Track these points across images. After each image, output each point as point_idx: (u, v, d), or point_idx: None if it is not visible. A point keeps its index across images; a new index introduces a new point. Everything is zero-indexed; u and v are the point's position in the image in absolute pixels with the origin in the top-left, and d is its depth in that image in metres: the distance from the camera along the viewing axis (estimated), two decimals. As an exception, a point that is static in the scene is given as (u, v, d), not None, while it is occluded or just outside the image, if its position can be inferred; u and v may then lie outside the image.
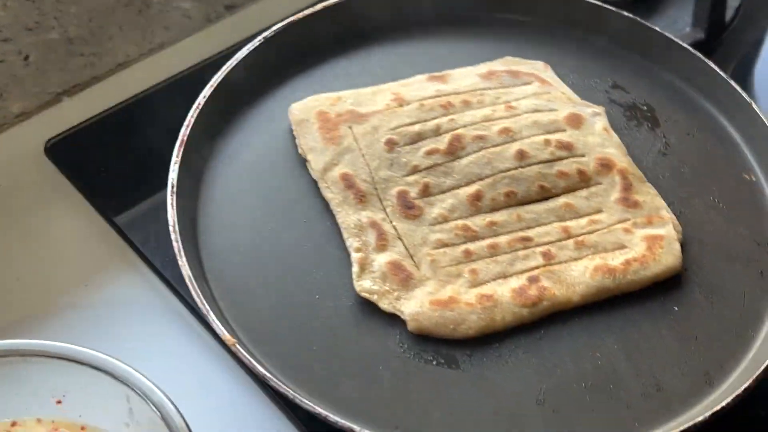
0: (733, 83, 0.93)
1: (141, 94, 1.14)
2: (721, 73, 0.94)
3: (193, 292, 0.75)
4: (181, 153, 0.85)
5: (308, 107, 0.91)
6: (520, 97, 0.93)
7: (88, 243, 1.00)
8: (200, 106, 0.89)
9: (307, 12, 0.98)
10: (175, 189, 0.82)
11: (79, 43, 1.11)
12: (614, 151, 0.90)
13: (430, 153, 0.87)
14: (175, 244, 0.78)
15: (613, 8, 1.00)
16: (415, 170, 0.86)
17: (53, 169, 1.05)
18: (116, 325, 0.94)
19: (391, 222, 0.83)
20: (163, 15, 1.17)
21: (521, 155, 0.87)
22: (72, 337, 0.92)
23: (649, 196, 0.87)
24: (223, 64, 0.94)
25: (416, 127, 0.89)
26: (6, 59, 1.05)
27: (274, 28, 0.96)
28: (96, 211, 1.02)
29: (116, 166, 1.06)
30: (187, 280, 0.76)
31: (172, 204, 0.81)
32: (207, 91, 0.90)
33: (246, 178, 0.87)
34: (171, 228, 0.79)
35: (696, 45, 1.14)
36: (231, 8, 1.24)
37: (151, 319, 0.89)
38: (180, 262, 0.77)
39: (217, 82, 0.91)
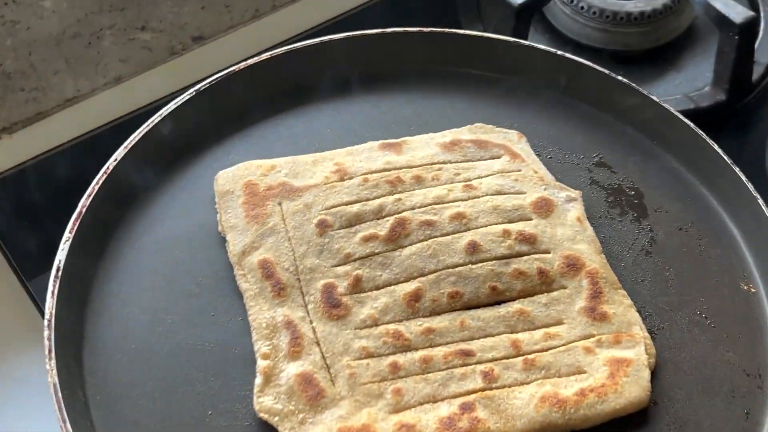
0: (738, 172, 0.79)
1: (92, 132, 1.05)
2: (726, 158, 0.80)
3: (55, 404, 0.64)
4: (75, 228, 0.74)
5: (236, 176, 0.79)
6: (483, 175, 0.80)
7: (2, 312, 0.91)
8: (109, 171, 0.78)
9: (250, 62, 0.86)
10: (60, 273, 0.71)
11: (18, 77, 1.01)
12: (585, 247, 0.76)
13: (367, 239, 0.75)
14: (46, 342, 0.67)
15: (606, 71, 0.87)
16: (348, 259, 0.74)
17: (-24, 218, 0.96)
18: (27, 403, 0.85)
19: (311, 323, 0.71)
20: (119, 47, 1.07)
21: (473, 248, 0.74)
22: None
23: (621, 307, 0.73)
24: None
25: (355, 208, 0.76)
26: (-70, 94, 0.95)
27: (210, 79, 0.84)
28: (13, 273, 0.92)
29: (50, 217, 0.96)
30: (51, 389, 0.65)
31: (53, 291, 0.70)
32: (120, 153, 0.79)
33: (155, 257, 0.76)
34: (46, 321, 0.68)
35: (715, 108, 1.01)
36: (199, 40, 1.13)
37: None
38: (48, 366, 0.66)
39: (135, 140, 0.80)
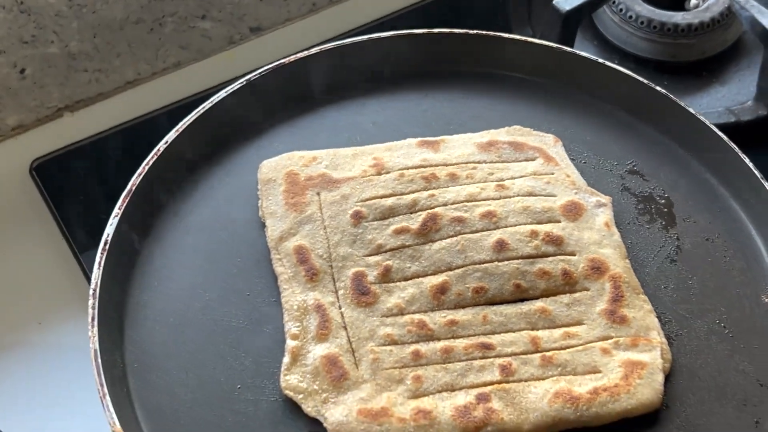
0: None
1: (148, 114, 1.09)
2: (758, 173, 0.81)
3: (94, 369, 0.68)
4: (125, 204, 0.78)
5: (279, 166, 0.83)
6: (517, 176, 0.82)
7: (52, 278, 0.95)
8: (159, 152, 0.82)
9: (300, 55, 0.89)
10: (107, 246, 0.75)
11: (82, 59, 1.06)
12: (611, 252, 0.78)
13: (399, 232, 0.78)
14: (90, 310, 0.71)
15: (646, 81, 0.88)
16: (379, 250, 0.77)
17: (35, 191, 1.01)
18: (68, 369, 0.89)
19: (339, 308, 0.75)
20: (179, 34, 1.11)
21: (501, 246, 0.77)
22: (19, 379, 0.89)
23: (641, 311, 0.75)
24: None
25: (389, 201, 0.79)
26: (-1, 71, 1.01)
27: (261, 70, 0.88)
28: (67, 246, 0.97)
29: (103, 194, 1.01)
30: (91, 354, 0.69)
31: (99, 262, 0.74)
32: (171, 136, 0.83)
33: (198, 237, 0.80)
34: (91, 291, 0.72)
35: (756, 122, 1.02)
36: (257, 30, 1.17)
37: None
38: (90, 333, 0.70)
39: (186, 125, 0.84)
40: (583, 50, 1.08)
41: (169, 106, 1.09)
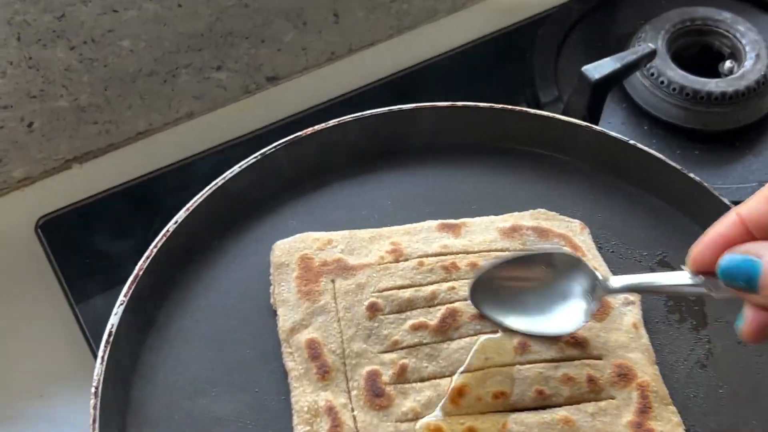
0: (805, 289, 0.76)
1: (160, 170, 1.06)
2: (793, 272, 0.77)
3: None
4: (131, 291, 0.74)
5: (292, 249, 0.79)
6: (542, 267, 0.78)
7: (55, 346, 0.92)
8: (168, 234, 0.78)
9: (317, 128, 0.86)
10: (111, 338, 0.72)
11: (92, 111, 1.03)
12: (639, 356, 0.74)
13: (416, 328, 0.74)
14: (91, 410, 0.68)
15: (679, 167, 0.84)
16: (395, 347, 0.74)
17: (40, 249, 0.98)
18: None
19: (352, 410, 0.71)
20: (194, 85, 1.08)
21: (523, 348, 0.73)
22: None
23: (669, 425, 0.71)
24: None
25: (407, 293, 0.76)
26: (6, 125, 0.98)
27: (275, 144, 0.84)
28: (70, 310, 0.94)
29: (112, 253, 0.98)
30: (90, 464, 0.66)
31: (102, 356, 0.71)
32: (181, 216, 0.79)
33: (206, 324, 0.76)
34: (93, 389, 0.69)
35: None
36: (273, 80, 1.14)
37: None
38: (91, 436, 0.67)
39: (197, 203, 0.80)
40: (612, 114, 1.06)
41: (182, 161, 1.06)
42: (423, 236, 0.80)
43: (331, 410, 0.71)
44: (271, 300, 0.77)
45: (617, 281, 0.71)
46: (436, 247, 0.79)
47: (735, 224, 0.62)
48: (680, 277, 0.67)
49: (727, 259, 0.61)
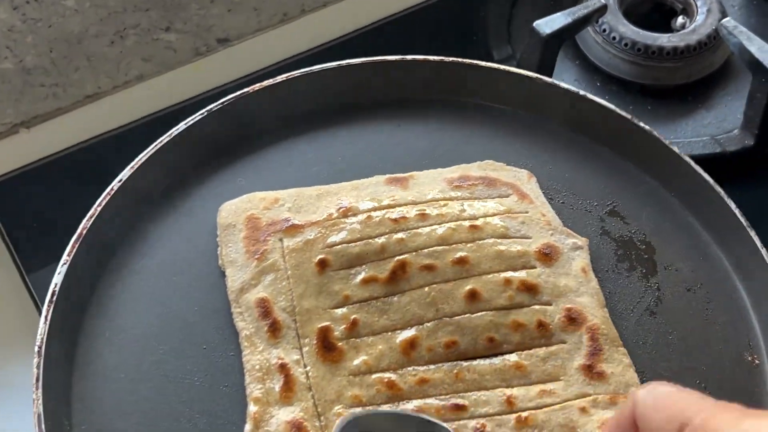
0: (754, 236, 0.76)
1: (109, 132, 1.04)
2: (743, 220, 0.77)
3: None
4: (75, 250, 0.73)
5: (239, 209, 0.78)
6: (490, 213, 0.78)
7: (2, 312, 0.91)
8: (113, 191, 0.77)
9: (265, 83, 0.85)
10: (55, 297, 0.71)
11: (38, 74, 1.01)
12: (588, 300, 0.74)
13: (367, 282, 0.74)
14: (34, 370, 0.67)
15: (629, 116, 0.84)
16: (346, 302, 0.73)
17: (-14, 215, 0.96)
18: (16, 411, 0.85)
19: (305, 366, 0.70)
20: (142, 46, 1.06)
21: (473, 297, 0.73)
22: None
23: (620, 366, 0.71)
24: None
25: (357, 248, 0.75)
26: (-51, 89, 0.95)
27: (223, 100, 0.83)
28: (18, 274, 0.92)
29: (61, 218, 0.96)
30: (34, 419, 0.65)
31: (46, 315, 0.70)
32: (125, 174, 0.78)
33: (153, 282, 0.75)
34: (36, 348, 0.68)
35: (742, 153, 0.98)
36: (225, 42, 1.12)
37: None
38: (34, 395, 0.66)
39: (141, 160, 0.79)
40: (564, 71, 1.06)
41: (131, 123, 1.04)
42: (371, 191, 0.80)
43: (283, 367, 0.70)
44: (219, 261, 0.76)
45: None
46: (385, 200, 0.78)
47: None
48: None
49: None
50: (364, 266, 0.74)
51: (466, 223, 0.77)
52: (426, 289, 0.73)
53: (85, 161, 1.01)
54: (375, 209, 0.77)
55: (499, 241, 0.76)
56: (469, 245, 0.76)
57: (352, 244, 0.75)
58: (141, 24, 1.04)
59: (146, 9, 1.03)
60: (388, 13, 1.16)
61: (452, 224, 0.77)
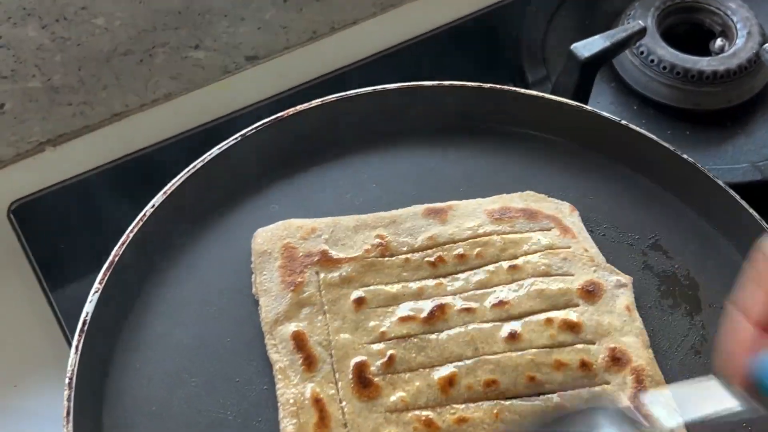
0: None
1: (136, 152, 1.02)
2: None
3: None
4: (106, 278, 0.71)
5: (275, 237, 0.76)
6: (531, 251, 0.76)
7: (29, 335, 0.89)
8: (145, 218, 0.75)
9: (299, 108, 0.83)
10: (86, 326, 0.69)
11: (66, 92, 0.99)
12: (633, 340, 0.72)
13: (404, 320, 0.72)
14: (65, 402, 0.65)
15: (672, 147, 0.82)
16: (383, 338, 0.71)
17: (12, 235, 0.94)
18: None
19: (340, 402, 0.68)
20: (171, 65, 1.04)
21: (513, 338, 0.71)
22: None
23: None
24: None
25: (395, 289, 0.73)
26: (-24, 107, 0.94)
27: (257, 124, 0.82)
28: (44, 297, 0.91)
29: (88, 239, 0.95)
30: (64, 459, 0.63)
31: (77, 345, 0.68)
32: (158, 199, 0.76)
33: (185, 312, 0.74)
34: (67, 380, 0.66)
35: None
36: (253, 59, 1.10)
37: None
38: (64, 429, 0.64)
39: (175, 185, 0.77)
40: (600, 93, 1.04)
41: (159, 143, 1.03)
42: (408, 225, 0.78)
43: (318, 402, 0.68)
44: (253, 289, 0.74)
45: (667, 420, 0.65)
46: (422, 240, 0.76)
47: (746, 328, 0.58)
48: (725, 401, 0.61)
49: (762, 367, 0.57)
50: (401, 304, 0.72)
51: (506, 264, 0.75)
52: (464, 329, 0.71)
53: (112, 181, 0.99)
54: (413, 251, 0.76)
55: (540, 280, 0.74)
56: (509, 287, 0.74)
57: (390, 285, 0.73)
58: (170, 42, 1.02)
59: (176, 27, 1.01)
60: (419, 32, 1.14)
61: (491, 267, 0.75)
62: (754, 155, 0.99)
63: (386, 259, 0.75)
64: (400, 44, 1.13)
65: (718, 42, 1.06)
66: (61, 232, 0.95)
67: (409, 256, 0.75)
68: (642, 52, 1.02)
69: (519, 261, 0.75)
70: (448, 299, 0.72)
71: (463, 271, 0.74)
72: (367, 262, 0.74)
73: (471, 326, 0.71)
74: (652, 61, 1.02)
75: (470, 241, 0.76)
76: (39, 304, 0.90)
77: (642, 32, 0.98)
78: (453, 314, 0.72)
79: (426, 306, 0.72)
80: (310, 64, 1.11)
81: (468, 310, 0.72)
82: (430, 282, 0.74)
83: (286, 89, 1.07)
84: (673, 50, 1.02)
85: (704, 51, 1.05)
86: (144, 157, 1.01)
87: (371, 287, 0.73)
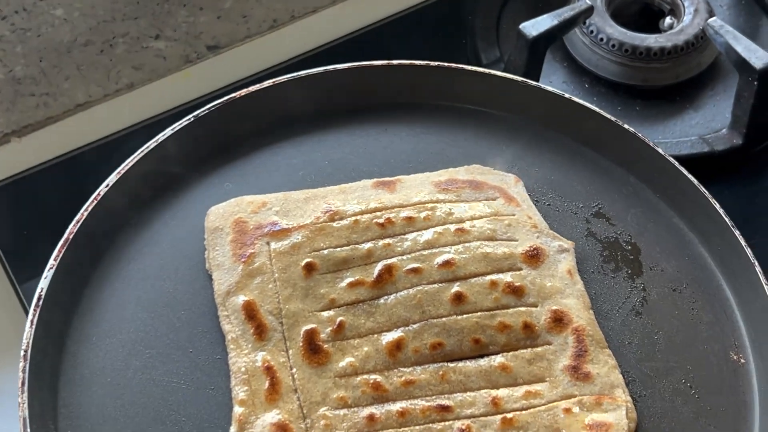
0: (738, 236, 0.76)
1: (99, 141, 1.05)
2: (728, 220, 0.77)
3: (23, 441, 0.64)
4: (61, 255, 0.74)
5: (227, 213, 0.78)
6: (476, 216, 0.78)
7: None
8: (99, 197, 0.77)
9: (251, 89, 0.85)
10: (41, 301, 0.71)
11: (28, 83, 1.01)
12: (574, 302, 0.74)
13: (353, 285, 0.74)
14: (20, 374, 0.67)
15: (613, 118, 0.84)
16: (332, 305, 0.73)
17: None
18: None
19: (290, 368, 0.71)
20: (132, 55, 1.07)
21: (458, 299, 0.73)
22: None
23: (605, 367, 0.71)
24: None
25: (343, 252, 0.75)
26: (-61, 98, 0.96)
27: (209, 106, 0.84)
28: (9, 284, 0.93)
29: (52, 225, 0.96)
30: (20, 424, 0.65)
31: (32, 320, 0.70)
32: (112, 179, 0.78)
33: (140, 287, 0.76)
34: (22, 352, 0.68)
35: (730, 152, 0.99)
36: (214, 49, 1.13)
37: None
38: (20, 399, 0.66)
39: (128, 166, 0.79)
40: (552, 73, 1.06)
41: (122, 131, 1.05)
42: (358, 194, 0.80)
43: (269, 369, 0.70)
44: (207, 265, 0.76)
45: None
46: (372, 204, 0.79)
47: None
48: None
49: None
50: (350, 270, 0.75)
51: (453, 227, 0.77)
52: (412, 291, 0.74)
53: (76, 169, 1.01)
54: (362, 213, 0.78)
55: (485, 243, 0.76)
56: (455, 248, 0.76)
57: (339, 248, 0.76)
58: (130, 32, 1.04)
59: (135, 17, 1.04)
60: (377, 18, 1.16)
61: (439, 228, 0.77)
62: (702, 129, 1.02)
63: (335, 223, 0.77)
64: (359, 30, 1.15)
65: (668, 20, 1.08)
66: (27, 221, 0.97)
67: (358, 218, 0.77)
68: (592, 32, 1.05)
69: (466, 225, 0.77)
70: (395, 261, 0.75)
71: (410, 232, 0.76)
72: (317, 227, 0.76)
73: (418, 288, 0.73)
74: (602, 39, 1.04)
75: (418, 205, 0.78)
76: (3, 288, 0.92)
77: (589, 11, 1.01)
78: (401, 275, 0.74)
79: (374, 269, 0.74)
80: (271, 52, 1.13)
81: (415, 270, 0.74)
82: (379, 243, 0.76)
83: (247, 76, 1.10)
84: (622, 28, 1.04)
85: (655, 30, 1.08)
86: (107, 145, 1.04)
87: (321, 251, 0.75)
